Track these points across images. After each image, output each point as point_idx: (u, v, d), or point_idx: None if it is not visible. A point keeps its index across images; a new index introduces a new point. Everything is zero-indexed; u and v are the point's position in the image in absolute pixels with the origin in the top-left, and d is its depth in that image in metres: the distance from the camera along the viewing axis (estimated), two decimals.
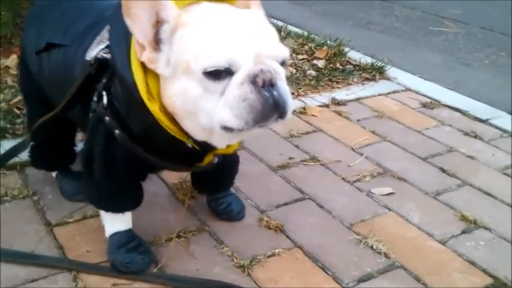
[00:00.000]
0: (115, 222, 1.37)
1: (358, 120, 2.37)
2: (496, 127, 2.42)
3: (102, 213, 1.36)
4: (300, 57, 3.03)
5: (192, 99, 1.04)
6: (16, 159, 1.72)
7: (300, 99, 2.50)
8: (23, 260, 1.33)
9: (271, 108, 1.02)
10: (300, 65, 2.90)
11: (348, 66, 2.97)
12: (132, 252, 1.34)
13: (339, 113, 2.42)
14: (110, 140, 1.18)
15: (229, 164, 1.48)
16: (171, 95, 1.06)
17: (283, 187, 1.81)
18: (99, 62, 1.15)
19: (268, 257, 1.46)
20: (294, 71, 2.83)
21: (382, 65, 2.96)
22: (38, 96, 1.48)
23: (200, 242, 1.49)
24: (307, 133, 2.21)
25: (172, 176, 1.75)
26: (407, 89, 2.80)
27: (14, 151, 1.60)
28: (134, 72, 1.05)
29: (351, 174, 1.92)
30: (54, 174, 1.65)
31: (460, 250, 1.55)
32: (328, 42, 3.28)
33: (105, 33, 1.19)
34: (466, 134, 2.33)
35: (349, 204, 1.74)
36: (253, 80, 1.00)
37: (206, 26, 1.03)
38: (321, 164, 1.97)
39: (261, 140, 2.06)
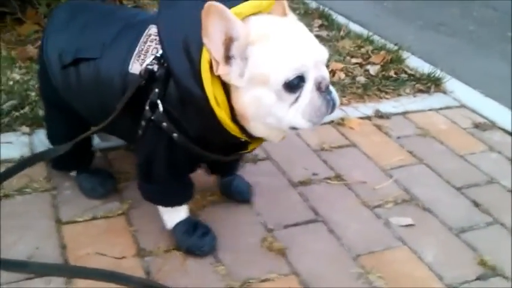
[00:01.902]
0: (177, 214, 1.51)
1: (398, 138, 2.26)
2: None
3: (162, 209, 1.51)
4: (354, 60, 2.93)
5: (265, 106, 1.18)
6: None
7: (341, 109, 2.42)
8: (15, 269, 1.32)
9: (330, 109, 1.20)
10: (351, 70, 2.81)
11: (403, 75, 2.83)
12: (200, 236, 1.49)
13: (379, 128, 2.32)
14: (169, 143, 1.30)
15: None
16: (243, 102, 1.19)
17: (298, 205, 1.77)
18: (148, 72, 1.26)
19: (261, 281, 1.44)
20: (344, 76, 2.74)
21: (440, 76, 2.80)
22: (60, 106, 1.53)
23: (197, 258, 1.49)
24: (339, 147, 2.14)
25: None
26: (462, 106, 2.63)
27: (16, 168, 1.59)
28: (205, 85, 1.16)
29: (373, 198, 1.84)
30: (73, 173, 1.71)
31: None
32: (388, 45, 3.14)
33: (145, 46, 1.32)
34: None
35: (362, 232, 1.68)
36: (318, 87, 1.17)
37: (274, 41, 1.16)
38: (344, 183, 1.91)
39: (290, 152, 2.03)
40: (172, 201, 1.48)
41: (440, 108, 2.57)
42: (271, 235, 1.61)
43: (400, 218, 1.75)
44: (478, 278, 1.54)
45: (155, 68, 1.26)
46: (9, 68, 2.40)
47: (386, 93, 2.64)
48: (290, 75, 1.14)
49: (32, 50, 2.55)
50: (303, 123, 1.19)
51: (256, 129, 1.26)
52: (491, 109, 2.61)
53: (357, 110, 2.44)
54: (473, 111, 2.58)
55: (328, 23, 3.49)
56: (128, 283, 1.30)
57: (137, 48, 1.33)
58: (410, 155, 2.14)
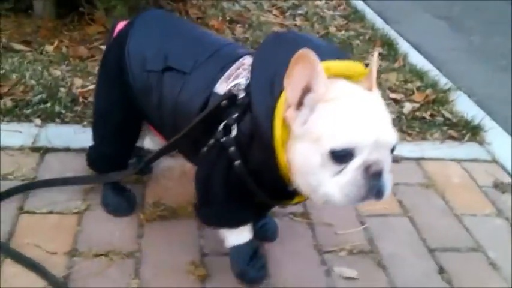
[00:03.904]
0: (235, 236, 1.54)
1: (396, 184, 2.15)
2: None
3: (223, 230, 1.53)
4: (393, 96, 2.82)
5: (309, 164, 1.19)
6: (44, 144, 2.02)
7: None
8: None
9: (373, 194, 1.17)
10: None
11: (439, 118, 2.66)
12: (255, 268, 1.55)
13: None
14: (229, 167, 1.33)
15: None
16: (294, 151, 1.21)
17: None
18: (231, 96, 1.30)
19: None
20: None
21: (480, 124, 2.59)
22: (122, 115, 1.60)
23: (120, 267, 1.58)
24: None
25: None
26: (494, 161, 2.41)
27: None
28: (276, 124, 1.20)
29: (330, 243, 1.79)
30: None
31: None
32: (440, 84, 2.97)
33: (236, 71, 1.36)
34: None
35: (297, 276, 1.65)
36: (366, 168, 1.14)
37: (343, 108, 1.17)
38: (307, 222, 1.88)
39: None
40: (229, 223, 1.50)
41: (465, 160, 2.38)
42: (200, 260, 1.65)
43: (346, 269, 1.69)
44: None
45: (240, 93, 1.29)
46: (57, 63, 2.67)
47: (410, 135, 2.51)
48: (337, 145, 1.13)
49: (83, 50, 2.80)
50: (336, 197, 1.17)
51: (298, 183, 1.25)
52: None
53: None
54: (504, 168, 2.36)
55: (388, 53, 3.38)
56: (43, 277, 1.47)
57: (228, 72, 1.37)
58: (398, 204, 2.04)
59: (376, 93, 1.25)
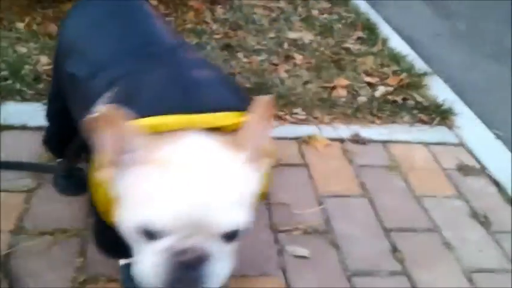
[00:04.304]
0: None
1: (360, 166, 2.17)
2: None
3: None
4: (367, 79, 2.82)
5: (126, 231, 0.98)
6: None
7: (317, 126, 2.37)
8: None
9: (185, 286, 0.95)
10: (357, 89, 2.71)
11: (410, 101, 2.67)
12: None
13: (345, 153, 2.24)
14: None
15: None
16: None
17: None
18: None
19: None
20: (345, 94, 2.66)
21: (450, 108, 2.60)
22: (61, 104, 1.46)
23: (65, 248, 1.58)
24: (288, 165, 2.11)
25: None
26: (461, 144, 2.43)
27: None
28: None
29: (285, 222, 1.81)
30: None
31: None
32: (417, 68, 2.98)
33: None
34: (475, 216, 1.97)
35: (248, 254, 1.66)
36: (175, 255, 0.91)
37: (157, 176, 0.91)
38: (265, 202, 1.90)
39: None
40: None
41: (432, 143, 2.40)
42: None
43: (298, 248, 1.71)
44: None
45: None
46: (26, 41, 2.67)
47: (379, 118, 2.52)
48: (136, 221, 0.92)
49: (53, 27, 2.78)
50: (140, 277, 0.97)
51: None
52: (492, 153, 2.38)
53: (334, 131, 2.37)
54: (470, 152, 2.38)
55: (368, 37, 3.37)
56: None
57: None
58: (360, 186, 2.05)
59: (236, 157, 0.96)
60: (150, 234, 0.91)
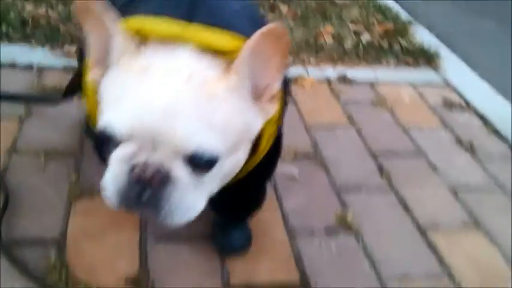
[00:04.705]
0: None
1: (346, 102, 2.19)
2: (511, 147, 2.03)
3: None
4: (354, 28, 2.84)
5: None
6: None
7: (304, 68, 2.39)
8: None
9: (140, 208, 0.86)
10: (343, 36, 2.73)
11: (396, 47, 2.70)
12: None
13: (332, 91, 2.27)
14: None
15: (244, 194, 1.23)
16: None
17: None
18: None
19: None
20: (330, 40, 2.68)
21: (435, 52, 2.63)
22: None
23: (58, 163, 1.61)
24: None
25: None
26: (447, 85, 2.46)
27: None
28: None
29: None
30: None
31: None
32: (402, 17, 3.01)
33: None
34: (460, 143, 2.01)
35: None
36: (132, 168, 0.82)
37: (128, 79, 0.84)
38: None
39: None
40: None
41: (418, 84, 2.43)
42: None
43: (288, 167, 1.73)
44: (328, 230, 1.50)
45: None
46: None
47: (366, 61, 2.54)
48: (100, 124, 0.84)
49: None
50: (104, 190, 0.88)
51: None
52: (477, 91, 2.41)
53: (321, 72, 2.39)
54: (455, 90, 2.41)
55: None
56: None
57: None
58: (346, 119, 2.08)
59: (221, 80, 0.84)
60: (114, 142, 0.83)
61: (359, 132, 2.00)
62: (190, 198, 0.86)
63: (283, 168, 1.73)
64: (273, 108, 0.91)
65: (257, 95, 0.89)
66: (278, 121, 1.04)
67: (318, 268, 1.37)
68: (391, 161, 1.84)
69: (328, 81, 2.33)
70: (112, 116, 0.82)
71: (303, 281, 1.33)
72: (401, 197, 1.68)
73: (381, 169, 1.79)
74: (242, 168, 0.97)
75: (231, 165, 0.91)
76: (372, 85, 2.36)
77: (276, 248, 1.42)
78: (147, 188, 0.82)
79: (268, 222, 1.50)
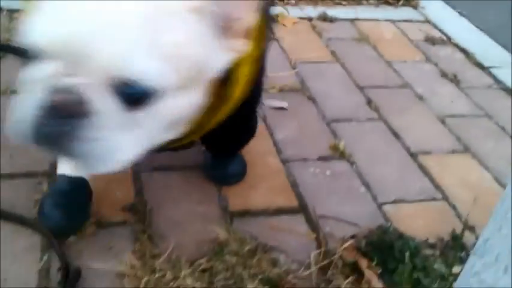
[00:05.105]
0: None
1: (329, 39, 2.16)
2: (493, 77, 2.05)
3: None
4: None
5: None
6: None
7: (284, 7, 2.34)
8: None
9: (49, 144, 0.69)
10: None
11: None
12: None
13: (314, 28, 2.23)
14: None
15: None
16: None
17: None
18: None
19: None
20: None
21: None
22: None
23: None
24: None
25: None
26: (427, 21, 2.45)
27: None
28: None
29: None
30: None
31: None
32: None
33: None
34: (445, 75, 2.01)
35: None
36: (46, 90, 0.67)
37: None
38: None
39: None
40: None
41: (398, 21, 2.41)
42: None
43: (276, 101, 1.70)
44: (321, 158, 1.49)
45: None
46: None
47: (346, 0, 2.50)
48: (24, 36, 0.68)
49: None
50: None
51: None
52: (458, 27, 2.41)
53: (301, 11, 2.34)
54: (436, 26, 2.40)
55: None
56: None
57: None
58: (330, 54, 2.05)
59: (170, 3, 0.70)
60: (33, 59, 0.68)
61: (344, 67, 1.98)
62: (116, 140, 0.68)
63: (271, 101, 1.70)
64: (244, 46, 0.77)
65: (227, 28, 0.74)
66: (258, 62, 0.89)
67: (315, 193, 1.36)
68: (378, 93, 1.82)
69: (309, 19, 2.29)
70: (33, 24, 0.66)
71: (301, 206, 1.31)
72: (390, 126, 1.67)
73: (368, 101, 1.78)
74: (215, 115, 0.84)
75: (179, 108, 0.73)
76: (353, 22, 2.34)
77: (271, 175, 1.40)
78: (62, 122, 0.65)
79: (261, 152, 1.48)
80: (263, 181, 1.38)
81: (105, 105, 0.65)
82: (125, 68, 0.63)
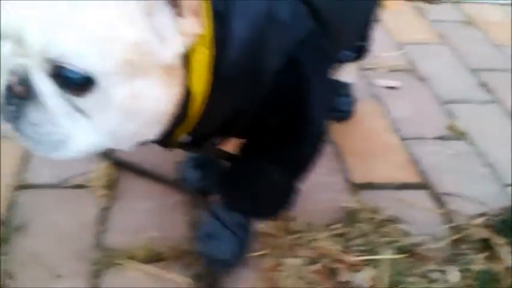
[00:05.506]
0: None
1: (434, 21, 2.12)
2: None
3: None
4: None
5: None
6: None
7: None
8: None
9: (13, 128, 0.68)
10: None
11: None
12: None
13: (418, 9, 2.19)
14: None
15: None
16: None
17: None
18: None
19: None
20: None
21: None
22: None
23: None
24: None
25: None
26: None
27: None
28: None
29: (369, 62, 1.78)
30: None
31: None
32: None
33: None
34: None
35: None
36: (5, 73, 0.66)
37: None
38: None
39: None
40: None
41: (506, 4, 2.33)
42: None
43: (389, 80, 1.70)
44: (439, 137, 1.48)
45: None
46: None
47: None
48: None
49: None
50: None
51: None
52: None
53: None
54: None
55: None
56: None
57: None
58: (438, 36, 2.02)
59: None
60: None
61: (452, 49, 1.94)
62: (62, 126, 0.66)
63: (384, 80, 1.70)
64: (195, 26, 0.68)
65: (174, 6, 0.67)
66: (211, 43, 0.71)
67: (437, 170, 1.35)
68: (493, 77, 1.78)
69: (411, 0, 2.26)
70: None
71: (424, 182, 1.31)
72: (508, 108, 1.63)
73: (483, 84, 1.74)
74: (188, 113, 0.73)
75: (129, 97, 0.66)
76: (456, 4, 2.28)
77: (391, 151, 1.41)
78: (13, 102, 0.65)
79: (380, 128, 1.48)
80: (384, 156, 1.38)
81: (45, 88, 0.65)
82: (54, 50, 0.62)
